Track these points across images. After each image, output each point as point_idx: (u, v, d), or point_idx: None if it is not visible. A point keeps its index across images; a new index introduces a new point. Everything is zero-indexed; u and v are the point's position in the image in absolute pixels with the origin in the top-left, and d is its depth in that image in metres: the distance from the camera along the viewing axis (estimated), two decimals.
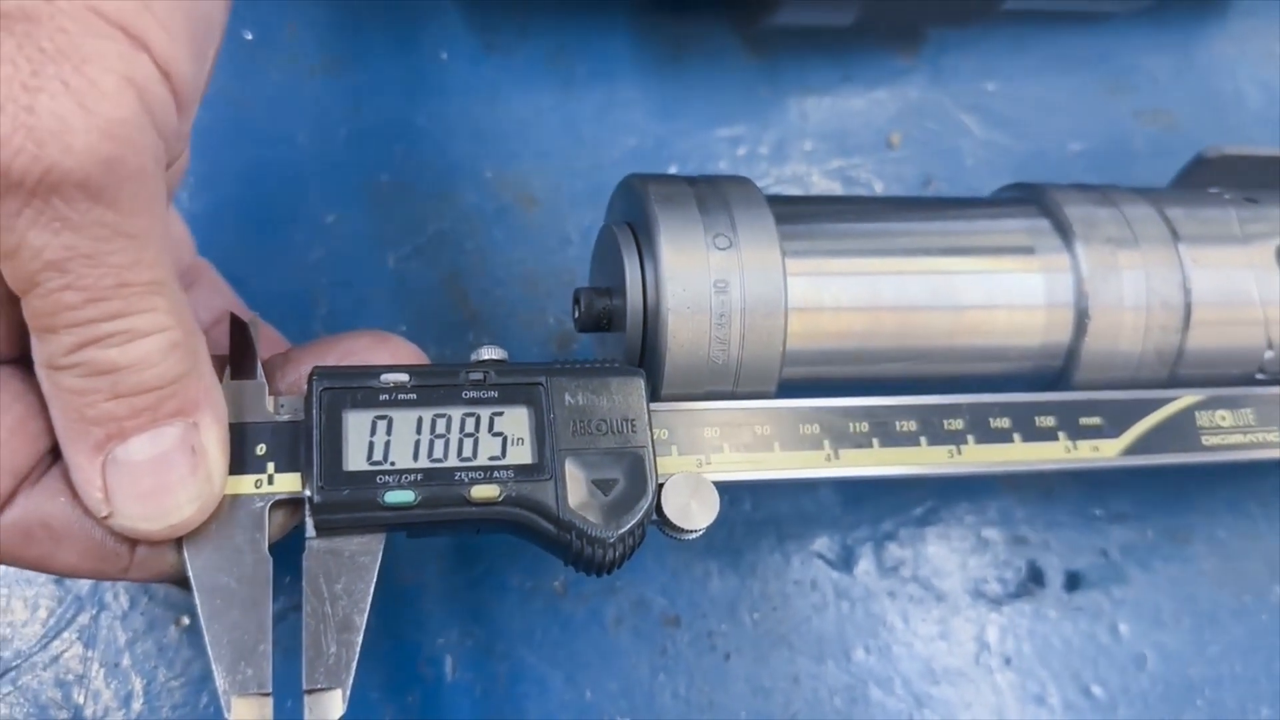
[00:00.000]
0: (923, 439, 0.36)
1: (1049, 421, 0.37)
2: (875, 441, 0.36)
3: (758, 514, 0.47)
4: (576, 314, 0.38)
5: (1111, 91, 0.57)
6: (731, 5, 0.52)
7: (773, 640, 0.46)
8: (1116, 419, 0.38)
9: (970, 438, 0.36)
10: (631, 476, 0.33)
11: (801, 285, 0.37)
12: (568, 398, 0.34)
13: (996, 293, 0.38)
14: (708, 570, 0.46)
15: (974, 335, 0.38)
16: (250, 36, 0.50)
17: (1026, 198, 0.42)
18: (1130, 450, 0.38)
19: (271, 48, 0.49)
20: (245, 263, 0.46)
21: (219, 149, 0.48)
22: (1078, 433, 0.37)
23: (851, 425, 0.36)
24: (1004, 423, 0.37)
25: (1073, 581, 0.49)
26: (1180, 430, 0.39)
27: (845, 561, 0.47)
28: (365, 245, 0.47)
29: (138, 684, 0.41)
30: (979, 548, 0.49)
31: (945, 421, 0.36)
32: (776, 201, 0.38)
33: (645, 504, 0.33)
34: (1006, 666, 0.47)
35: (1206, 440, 0.39)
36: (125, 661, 0.41)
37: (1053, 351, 0.39)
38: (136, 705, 0.41)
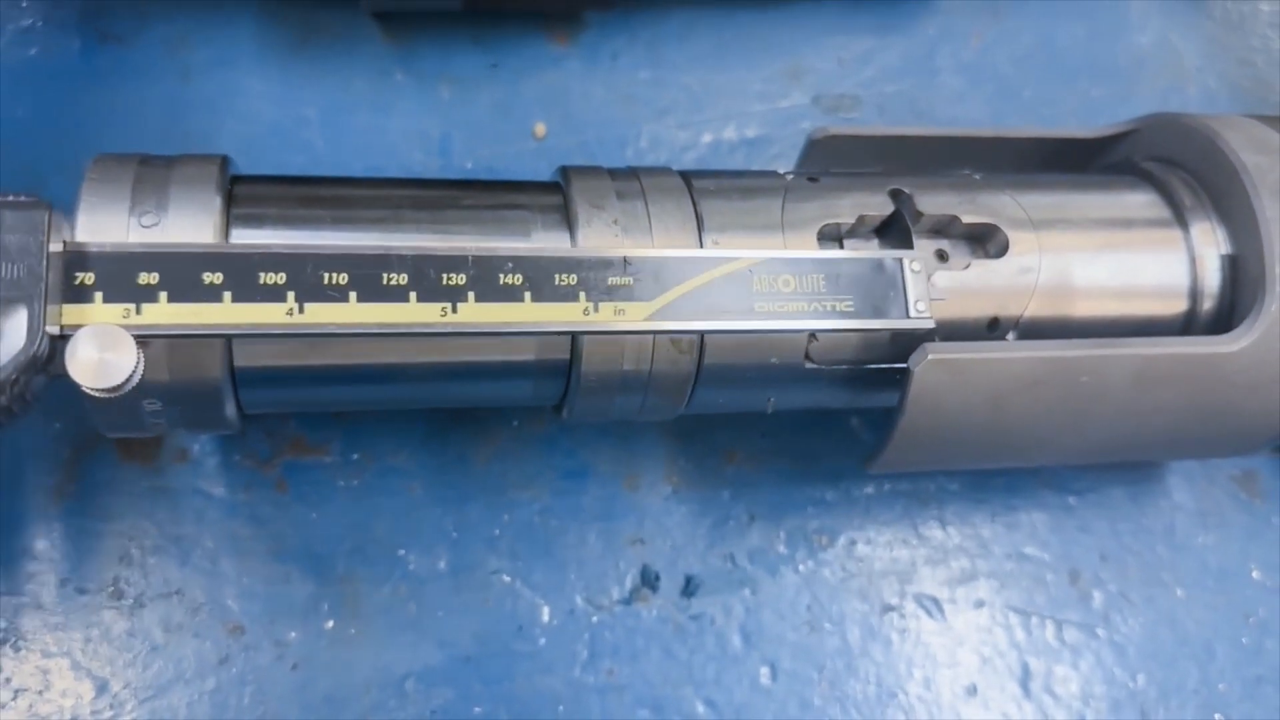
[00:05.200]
0: (413, 294, 0.32)
1: (569, 280, 0.34)
2: (353, 295, 0.32)
3: (343, 519, 0.45)
4: None
5: (790, 77, 0.54)
6: None
7: (348, 652, 0.44)
8: (651, 282, 0.34)
9: (471, 294, 0.33)
10: (14, 327, 0.30)
11: None
12: None
13: None
14: (283, 574, 0.44)
15: None
16: None
17: (560, 183, 0.39)
18: (660, 315, 0.34)
19: None
20: None
21: None
22: (602, 294, 0.34)
23: (327, 276, 0.32)
24: (515, 279, 0.33)
25: (690, 586, 0.46)
26: (729, 294, 0.35)
27: (440, 568, 0.45)
28: None
29: None
30: (591, 549, 0.46)
31: (444, 275, 0.33)
32: (249, 181, 0.37)
33: (23, 359, 0.30)
34: (610, 677, 0.45)
35: (760, 306, 0.35)
36: None
37: (552, 343, 0.37)
38: None
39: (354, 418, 0.46)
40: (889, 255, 0.37)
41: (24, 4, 0.50)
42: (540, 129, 0.51)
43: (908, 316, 0.37)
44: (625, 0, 0.52)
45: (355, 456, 0.46)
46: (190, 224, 0.34)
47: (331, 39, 0.51)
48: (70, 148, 0.48)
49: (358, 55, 0.51)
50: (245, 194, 0.36)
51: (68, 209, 0.34)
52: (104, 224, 0.33)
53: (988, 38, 0.56)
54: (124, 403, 0.34)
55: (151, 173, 0.35)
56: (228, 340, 0.34)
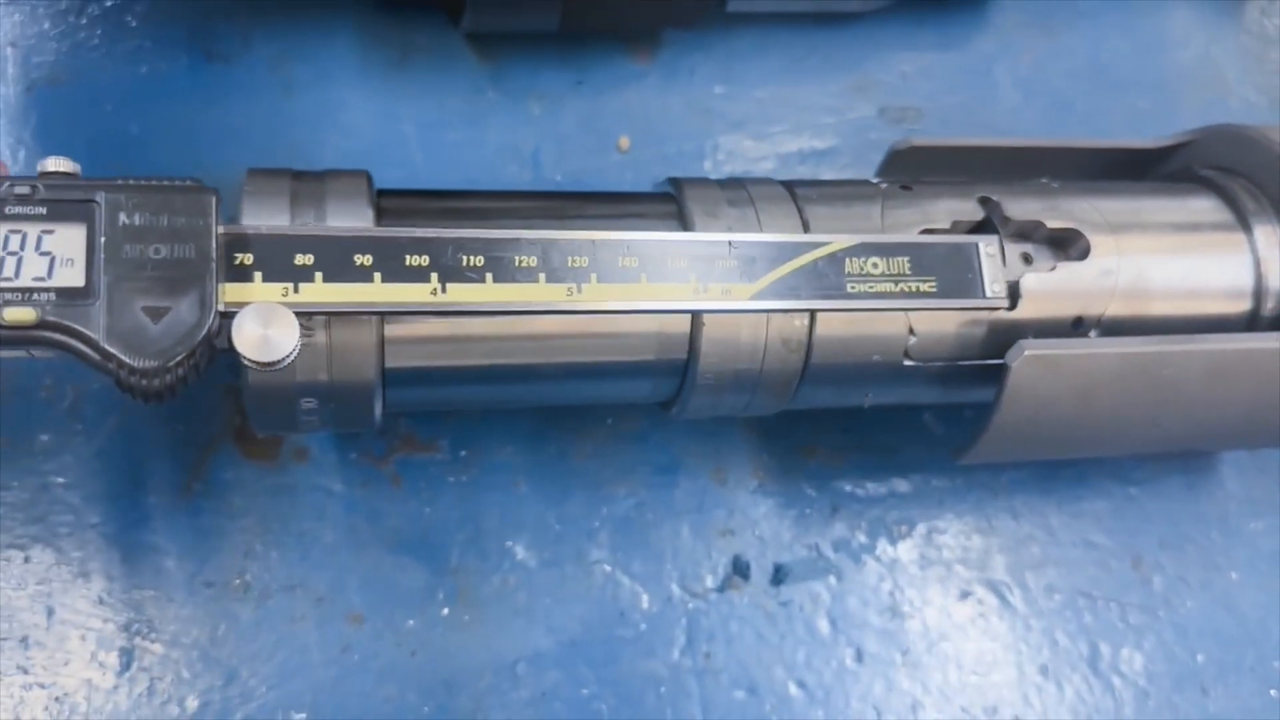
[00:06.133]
0: (542, 275, 0.35)
1: (681, 263, 0.36)
2: (489, 276, 0.35)
3: (454, 513, 0.47)
4: None
5: (857, 90, 0.57)
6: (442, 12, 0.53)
7: (463, 638, 0.46)
8: (753, 264, 0.37)
9: (594, 275, 0.35)
10: (188, 304, 0.32)
11: None
12: (123, 217, 0.32)
13: None
14: (399, 565, 0.47)
15: (586, 324, 0.38)
16: None
17: (669, 192, 0.42)
18: (763, 295, 0.37)
19: None
20: None
21: None
22: (710, 276, 0.37)
23: (465, 259, 0.34)
24: (631, 262, 0.36)
25: (779, 575, 0.49)
26: (823, 276, 0.38)
27: (546, 558, 0.48)
28: None
29: None
30: (684, 540, 0.49)
31: (570, 258, 0.35)
32: (393, 195, 0.39)
33: (200, 334, 0.32)
34: (707, 660, 0.47)
35: (852, 287, 0.38)
36: None
37: (672, 343, 0.39)
38: None
39: (462, 417, 0.48)
40: (965, 239, 0.40)
41: (133, 25, 0.52)
42: (624, 142, 0.54)
43: (984, 296, 0.39)
44: (701, 20, 0.54)
45: (463, 453, 0.48)
46: None
47: (427, 58, 0.53)
48: (182, 162, 0.50)
49: (452, 73, 0.53)
50: (390, 206, 0.38)
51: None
52: None
53: (1040, 53, 0.59)
54: (282, 401, 0.36)
55: (306, 187, 0.37)
56: (381, 342, 0.37)
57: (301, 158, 0.51)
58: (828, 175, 0.56)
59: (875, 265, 0.38)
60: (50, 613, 0.43)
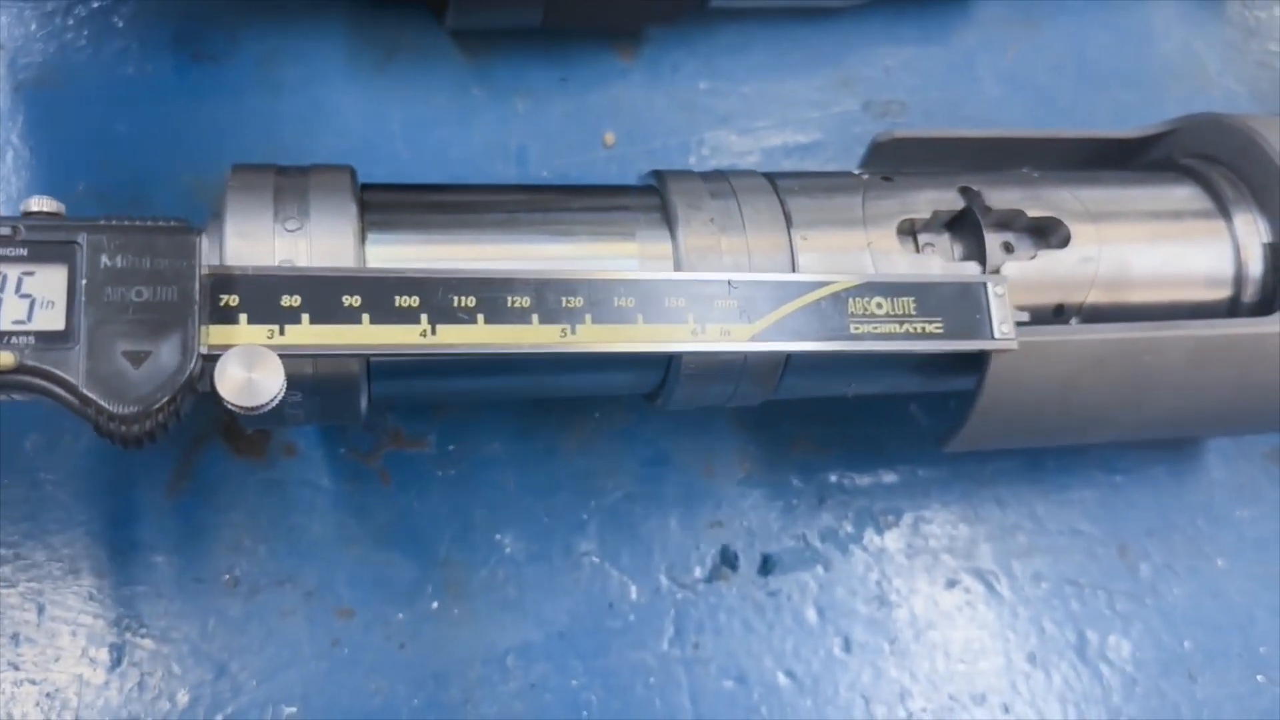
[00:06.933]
0: (535, 316, 0.35)
1: (678, 302, 0.36)
2: (480, 318, 0.34)
3: (443, 507, 0.48)
4: None
5: (841, 85, 0.58)
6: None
7: (452, 631, 0.46)
8: (753, 304, 0.37)
9: (588, 316, 0.35)
10: (169, 348, 0.32)
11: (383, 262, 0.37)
12: (105, 259, 0.32)
13: None
14: (388, 559, 0.47)
15: None
16: None
17: (653, 185, 0.42)
18: (763, 336, 0.37)
19: None
20: None
21: None
22: (708, 316, 0.36)
23: (456, 299, 0.34)
24: (628, 302, 0.36)
25: (767, 565, 0.49)
26: (826, 316, 0.37)
27: (535, 551, 0.48)
28: None
29: None
30: (672, 532, 0.49)
31: (564, 298, 0.35)
32: (377, 189, 0.39)
33: (181, 379, 0.31)
34: (696, 651, 0.48)
35: (856, 328, 0.37)
36: None
37: None
38: None
39: (450, 412, 0.49)
40: (973, 279, 0.40)
41: (120, 25, 0.52)
42: (609, 138, 0.54)
43: (993, 338, 0.39)
44: (684, 16, 0.55)
45: (452, 448, 0.48)
46: (332, 229, 0.36)
47: (413, 56, 0.54)
48: (170, 162, 0.51)
49: (438, 72, 0.54)
50: (374, 201, 0.39)
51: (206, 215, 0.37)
52: (252, 229, 0.36)
53: (1023, 47, 0.60)
54: None
55: (290, 181, 0.37)
56: None
57: (289, 156, 0.50)
58: (812, 169, 0.56)
59: (880, 305, 0.38)
60: (41, 609, 0.44)
